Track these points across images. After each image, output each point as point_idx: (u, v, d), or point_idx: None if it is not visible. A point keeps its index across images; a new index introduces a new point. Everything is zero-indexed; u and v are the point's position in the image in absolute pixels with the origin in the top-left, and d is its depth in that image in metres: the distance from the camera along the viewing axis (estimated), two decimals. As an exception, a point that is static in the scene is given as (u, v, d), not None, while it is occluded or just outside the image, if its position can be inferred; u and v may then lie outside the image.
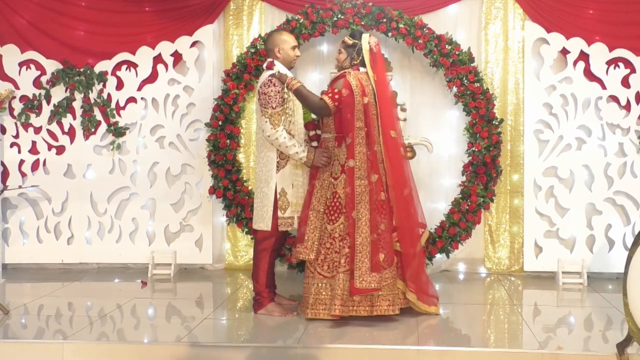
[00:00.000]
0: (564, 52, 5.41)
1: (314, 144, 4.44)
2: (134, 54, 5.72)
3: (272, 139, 4.23)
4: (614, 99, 5.37)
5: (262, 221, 4.35)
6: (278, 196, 4.31)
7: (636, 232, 4.94)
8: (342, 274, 4.10)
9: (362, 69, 4.30)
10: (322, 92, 4.41)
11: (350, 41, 4.35)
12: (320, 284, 4.18)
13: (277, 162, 4.31)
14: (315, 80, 5.70)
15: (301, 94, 4.22)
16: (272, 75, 4.24)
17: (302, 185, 4.41)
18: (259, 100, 4.27)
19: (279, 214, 4.31)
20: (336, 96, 4.17)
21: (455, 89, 5.35)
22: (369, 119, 4.23)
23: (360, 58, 4.30)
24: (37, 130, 5.79)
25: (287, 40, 4.45)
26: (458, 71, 5.28)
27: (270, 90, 4.22)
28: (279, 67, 4.35)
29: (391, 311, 4.15)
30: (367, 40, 4.32)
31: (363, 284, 4.04)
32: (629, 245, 4.44)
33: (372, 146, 4.23)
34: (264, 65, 4.46)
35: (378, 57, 4.34)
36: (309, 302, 4.19)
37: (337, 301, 4.06)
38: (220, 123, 5.49)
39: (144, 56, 5.72)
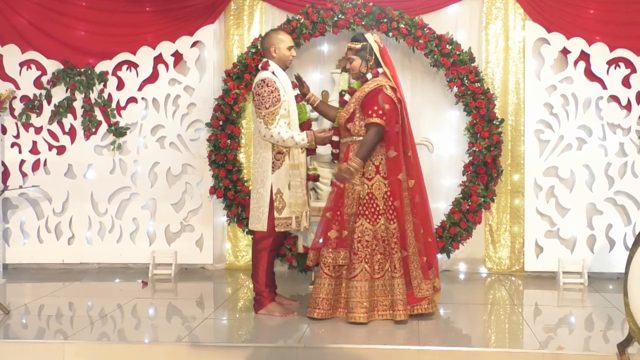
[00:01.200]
0: (565, 52, 5.41)
1: (335, 151, 4.54)
2: (134, 54, 5.72)
3: (268, 138, 4.23)
4: (615, 99, 5.37)
5: (259, 222, 4.34)
6: (274, 197, 4.29)
7: (637, 232, 4.94)
8: (398, 279, 4.13)
9: (379, 70, 4.25)
10: (347, 107, 4.31)
11: (358, 45, 4.25)
12: (371, 286, 4.13)
13: (273, 162, 4.30)
14: (316, 80, 5.69)
15: (368, 147, 4.12)
16: (346, 174, 4.18)
17: (300, 186, 4.35)
18: (254, 101, 4.28)
19: (275, 214, 4.29)
20: (380, 111, 4.10)
21: (455, 89, 5.36)
22: (404, 126, 4.25)
23: (373, 58, 4.25)
24: (38, 130, 5.79)
25: (284, 40, 4.43)
26: (459, 71, 5.28)
27: (264, 91, 4.19)
28: (274, 68, 4.34)
29: (431, 309, 4.25)
30: (374, 39, 4.26)
31: (422, 293, 4.19)
32: (630, 245, 4.44)
33: (407, 152, 4.25)
34: (260, 66, 4.44)
35: (386, 52, 4.32)
36: (365, 306, 4.09)
37: (401, 306, 4.12)
38: (220, 123, 5.49)
39: (144, 56, 5.72)
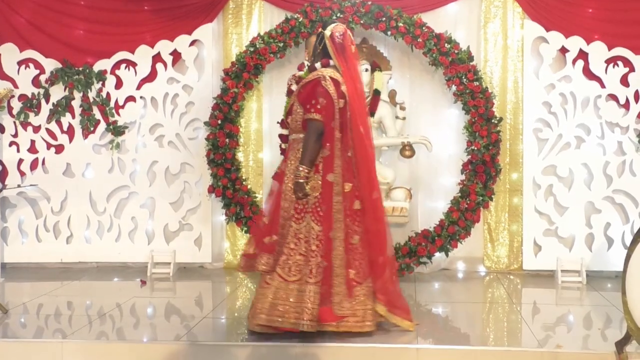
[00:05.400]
0: (563, 50, 5.41)
1: (284, 145, 4.38)
2: (133, 52, 5.72)
3: None
4: (613, 97, 5.38)
5: None
6: None
7: (635, 231, 4.94)
8: (312, 286, 3.72)
9: (330, 62, 3.95)
10: (294, 97, 4.00)
11: (318, 31, 4.11)
12: (279, 288, 3.76)
13: None
14: (315, 79, 5.69)
15: (310, 149, 3.79)
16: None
17: None
18: None
19: None
20: (318, 106, 3.79)
21: (454, 88, 5.35)
22: (344, 124, 3.88)
23: (322, 47, 3.96)
24: (36, 129, 5.79)
25: None
26: (457, 70, 5.27)
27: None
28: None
29: (359, 328, 3.80)
30: (333, 30, 3.94)
31: (342, 311, 3.76)
32: (628, 243, 4.44)
33: (346, 152, 3.88)
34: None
35: (346, 47, 3.94)
36: (265, 307, 3.75)
37: (307, 316, 3.67)
38: (219, 122, 5.49)
39: (143, 55, 5.72)
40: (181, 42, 5.68)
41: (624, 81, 5.35)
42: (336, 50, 3.93)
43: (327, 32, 3.96)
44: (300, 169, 3.77)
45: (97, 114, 5.75)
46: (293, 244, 3.80)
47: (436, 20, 5.49)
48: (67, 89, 5.73)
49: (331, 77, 3.85)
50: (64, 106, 5.75)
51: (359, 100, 3.95)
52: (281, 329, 3.77)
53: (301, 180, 3.76)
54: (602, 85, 5.38)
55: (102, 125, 5.75)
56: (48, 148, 5.80)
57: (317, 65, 3.98)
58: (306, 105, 3.86)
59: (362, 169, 3.90)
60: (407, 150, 5.14)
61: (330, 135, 3.83)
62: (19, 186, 5.68)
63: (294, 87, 4.10)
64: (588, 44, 5.36)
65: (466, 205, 5.29)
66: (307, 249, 3.78)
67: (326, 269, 3.77)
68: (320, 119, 3.79)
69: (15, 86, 5.74)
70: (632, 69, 5.34)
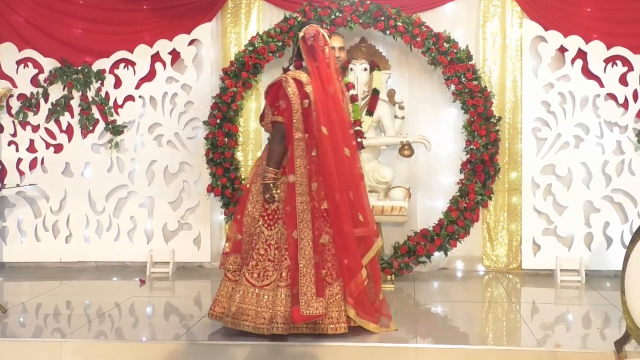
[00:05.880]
0: (562, 50, 5.41)
1: None
2: (132, 52, 5.72)
3: None
4: (612, 96, 5.38)
5: None
6: None
7: (634, 230, 4.94)
8: (283, 289, 3.76)
9: (303, 63, 3.98)
10: (267, 103, 4.05)
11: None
12: (246, 292, 3.82)
13: None
14: (313, 78, 5.69)
15: (274, 150, 3.88)
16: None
17: None
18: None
19: None
20: (280, 108, 3.88)
21: (453, 87, 5.35)
22: (309, 124, 3.86)
23: (297, 49, 4.01)
24: (35, 128, 5.79)
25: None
26: (456, 69, 5.27)
27: None
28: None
29: (333, 330, 3.79)
30: (303, 30, 3.96)
31: (310, 311, 3.70)
32: (627, 242, 4.44)
33: (311, 151, 3.85)
34: None
35: (317, 48, 3.91)
36: (231, 311, 3.82)
37: (280, 319, 3.72)
38: (218, 121, 5.49)
39: (141, 54, 5.71)
40: (180, 41, 5.68)
41: (623, 80, 5.36)
42: (306, 51, 3.95)
43: (301, 34, 3.99)
44: (269, 170, 3.85)
45: (96, 114, 5.75)
46: (263, 250, 3.85)
47: (435, 20, 5.48)
48: (66, 88, 5.73)
49: (294, 78, 3.89)
50: (62, 105, 5.75)
51: (329, 101, 3.90)
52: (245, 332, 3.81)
53: (267, 181, 3.84)
54: (601, 85, 5.38)
55: (101, 125, 5.75)
56: (47, 147, 5.80)
57: (291, 67, 4.06)
58: (271, 108, 3.96)
59: (324, 169, 3.85)
60: (406, 149, 5.14)
61: (289, 136, 3.87)
62: (18, 185, 5.68)
63: None
64: (587, 43, 5.36)
65: (465, 205, 5.29)
66: (275, 255, 3.83)
67: (293, 270, 3.77)
68: (282, 120, 3.88)
69: (14, 85, 5.73)
70: (630, 68, 5.34)
